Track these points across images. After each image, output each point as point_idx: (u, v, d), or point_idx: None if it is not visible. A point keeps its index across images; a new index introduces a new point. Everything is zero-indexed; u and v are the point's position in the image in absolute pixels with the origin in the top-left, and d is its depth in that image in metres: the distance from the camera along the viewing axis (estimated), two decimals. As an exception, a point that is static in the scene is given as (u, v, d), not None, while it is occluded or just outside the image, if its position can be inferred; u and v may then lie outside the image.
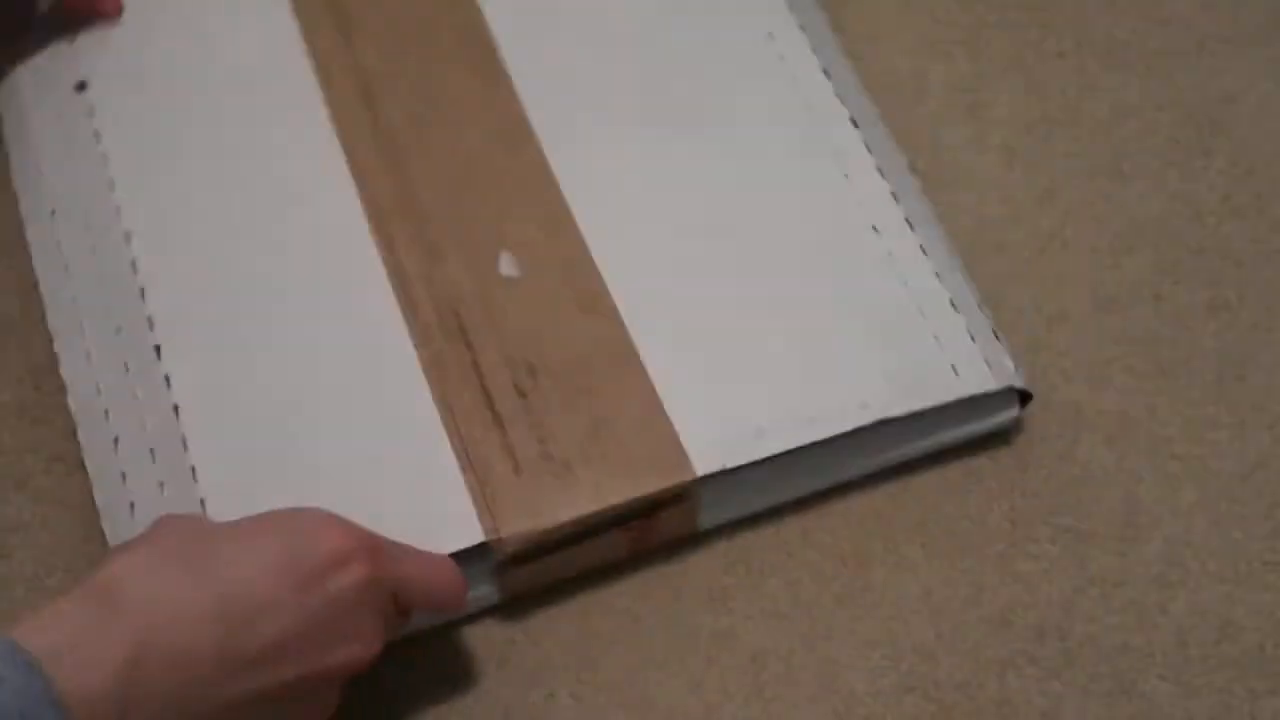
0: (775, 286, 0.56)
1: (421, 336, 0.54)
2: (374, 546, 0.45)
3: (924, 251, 0.57)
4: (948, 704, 0.51)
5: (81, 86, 0.61)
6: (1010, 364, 0.55)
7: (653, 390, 0.53)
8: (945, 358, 0.54)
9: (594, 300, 0.55)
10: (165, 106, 0.60)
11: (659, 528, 0.53)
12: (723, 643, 0.52)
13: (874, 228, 0.57)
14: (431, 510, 0.51)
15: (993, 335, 0.56)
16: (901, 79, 0.67)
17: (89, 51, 0.62)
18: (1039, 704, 0.51)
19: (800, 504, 0.55)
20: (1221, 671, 0.52)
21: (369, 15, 0.62)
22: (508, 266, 0.56)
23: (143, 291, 0.55)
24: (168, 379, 0.53)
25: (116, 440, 0.53)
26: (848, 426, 0.52)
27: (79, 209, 0.58)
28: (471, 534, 0.50)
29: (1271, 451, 0.56)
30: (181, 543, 0.43)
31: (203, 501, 0.51)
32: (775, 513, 0.55)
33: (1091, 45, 0.68)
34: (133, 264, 0.56)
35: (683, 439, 0.52)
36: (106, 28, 0.62)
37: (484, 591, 0.52)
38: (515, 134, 0.59)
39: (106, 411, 0.54)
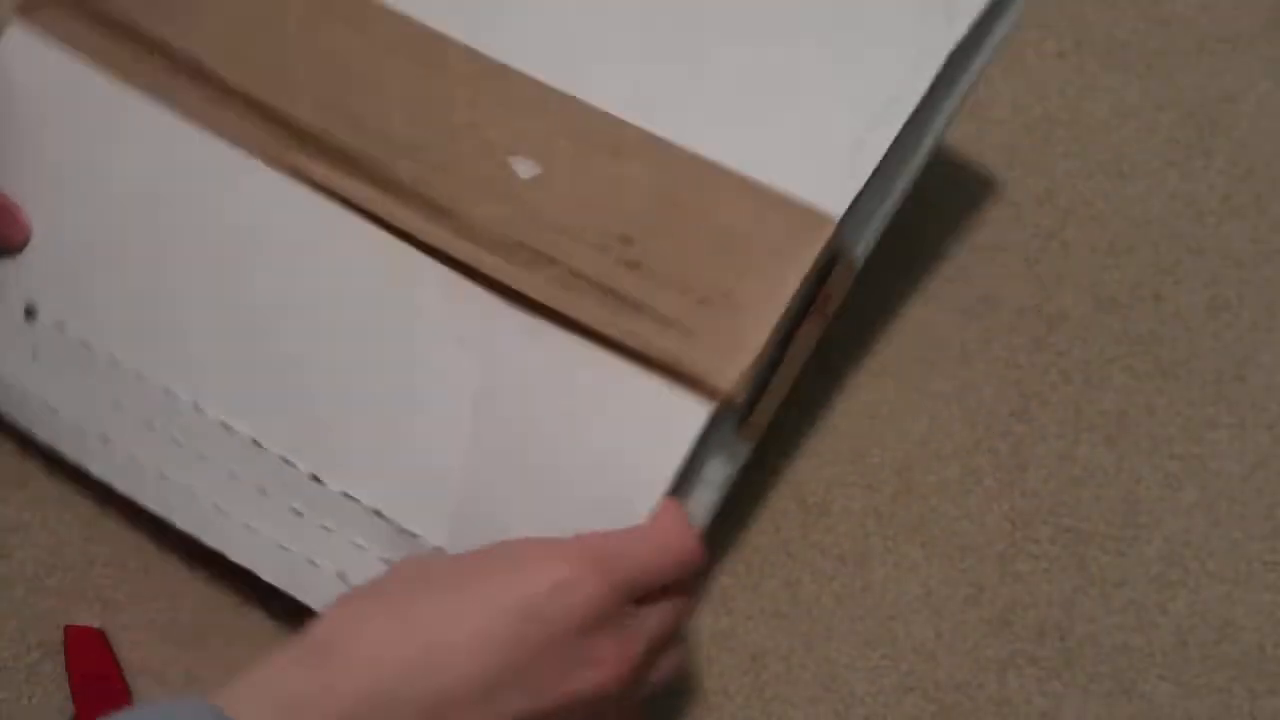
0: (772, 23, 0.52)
1: (509, 279, 0.51)
2: (597, 557, 0.42)
3: None
4: (948, 704, 0.51)
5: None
6: None
7: (741, 180, 0.49)
8: None
9: (620, 143, 0.51)
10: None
11: (834, 293, 0.50)
12: (723, 643, 0.52)
13: None
14: (649, 426, 0.48)
15: None
16: (901, 79, 0.67)
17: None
18: (1039, 704, 0.51)
19: (800, 504, 0.55)
20: (1221, 671, 0.52)
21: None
22: (525, 170, 0.52)
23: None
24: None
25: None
26: (926, 79, 0.49)
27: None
28: (699, 410, 0.47)
29: (1271, 451, 0.56)
30: (401, 591, 0.42)
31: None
32: (775, 511, 0.55)
33: (1091, 45, 0.68)
34: None
35: (803, 197, 0.48)
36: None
37: (727, 467, 0.50)
38: (423, 46, 0.54)
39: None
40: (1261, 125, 0.65)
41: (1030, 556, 0.54)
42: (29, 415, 0.54)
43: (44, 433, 0.54)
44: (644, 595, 0.43)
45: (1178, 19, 0.68)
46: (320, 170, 0.53)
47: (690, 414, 0.47)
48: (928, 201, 0.63)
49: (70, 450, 0.54)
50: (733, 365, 0.47)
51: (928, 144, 0.52)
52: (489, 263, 0.51)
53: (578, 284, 0.49)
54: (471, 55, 0.54)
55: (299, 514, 0.51)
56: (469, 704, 0.40)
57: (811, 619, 0.53)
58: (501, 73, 0.53)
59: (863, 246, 0.51)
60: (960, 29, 0.50)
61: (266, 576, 0.50)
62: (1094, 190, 0.63)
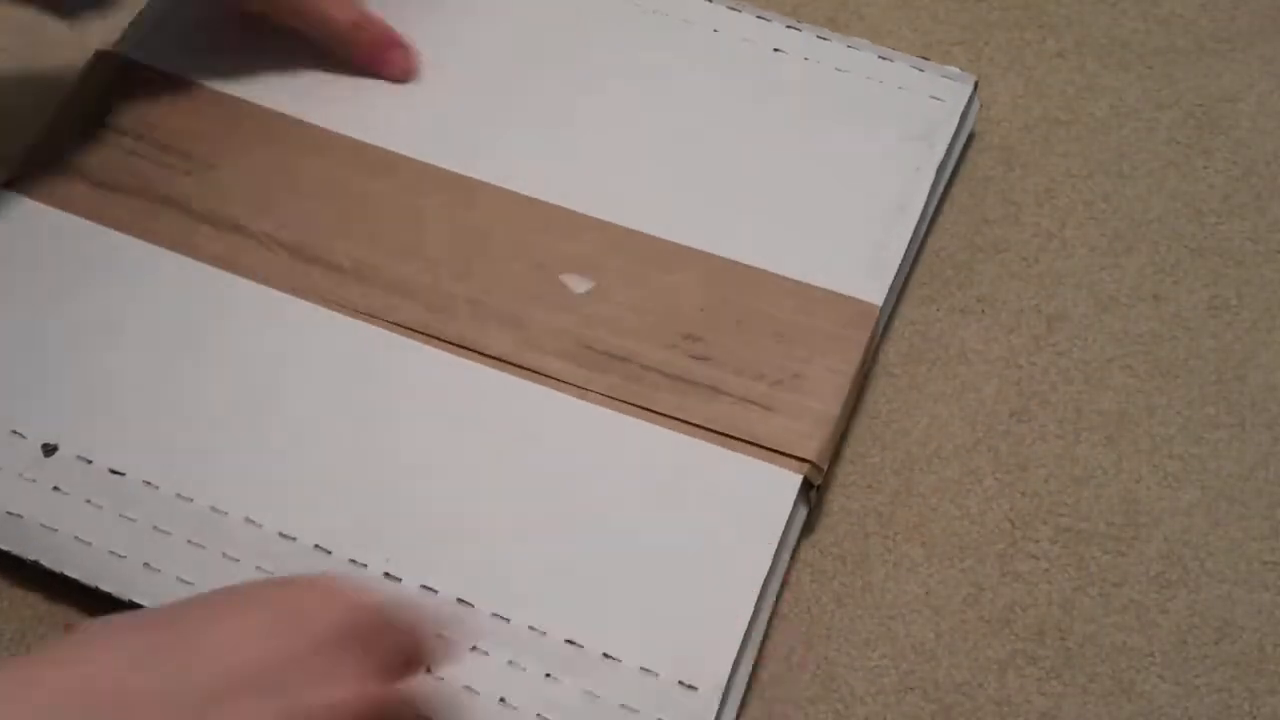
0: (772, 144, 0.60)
1: (582, 382, 0.54)
2: (370, 609, 0.41)
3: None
4: (948, 704, 0.51)
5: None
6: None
7: (785, 280, 0.56)
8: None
9: (666, 256, 0.57)
10: None
11: (875, 347, 0.57)
12: (723, 643, 0.52)
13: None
14: (742, 500, 0.51)
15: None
16: (901, 79, 0.67)
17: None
18: (1039, 704, 0.51)
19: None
20: (1221, 671, 0.52)
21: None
22: (579, 285, 0.56)
23: None
24: None
25: None
26: (924, 191, 0.59)
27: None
28: (791, 480, 0.52)
29: (1271, 451, 0.56)
30: (165, 633, 0.39)
31: None
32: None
33: (1091, 45, 0.68)
34: None
35: (845, 292, 0.56)
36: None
37: (796, 533, 0.53)
38: (450, 185, 0.59)
39: None
40: (1261, 125, 0.65)
41: (1030, 556, 0.54)
42: (58, 553, 0.51)
43: (78, 569, 0.51)
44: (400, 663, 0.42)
45: (1178, 19, 0.68)
46: (363, 298, 0.56)
47: (783, 484, 0.52)
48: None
49: (112, 583, 0.50)
50: (816, 434, 0.53)
51: (918, 240, 0.60)
52: (556, 367, 0.54)
53: (650, 377, 0.54)
54: (499, 192, 0.58)
55: None
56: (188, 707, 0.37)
57: (811, 619, 0.53)
58: (531, 204, 0.58)
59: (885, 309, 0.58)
60: (940, 151, 0.60)
61: None
62: (1094, 190, 0.63)
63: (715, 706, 0.48)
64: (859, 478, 0.56)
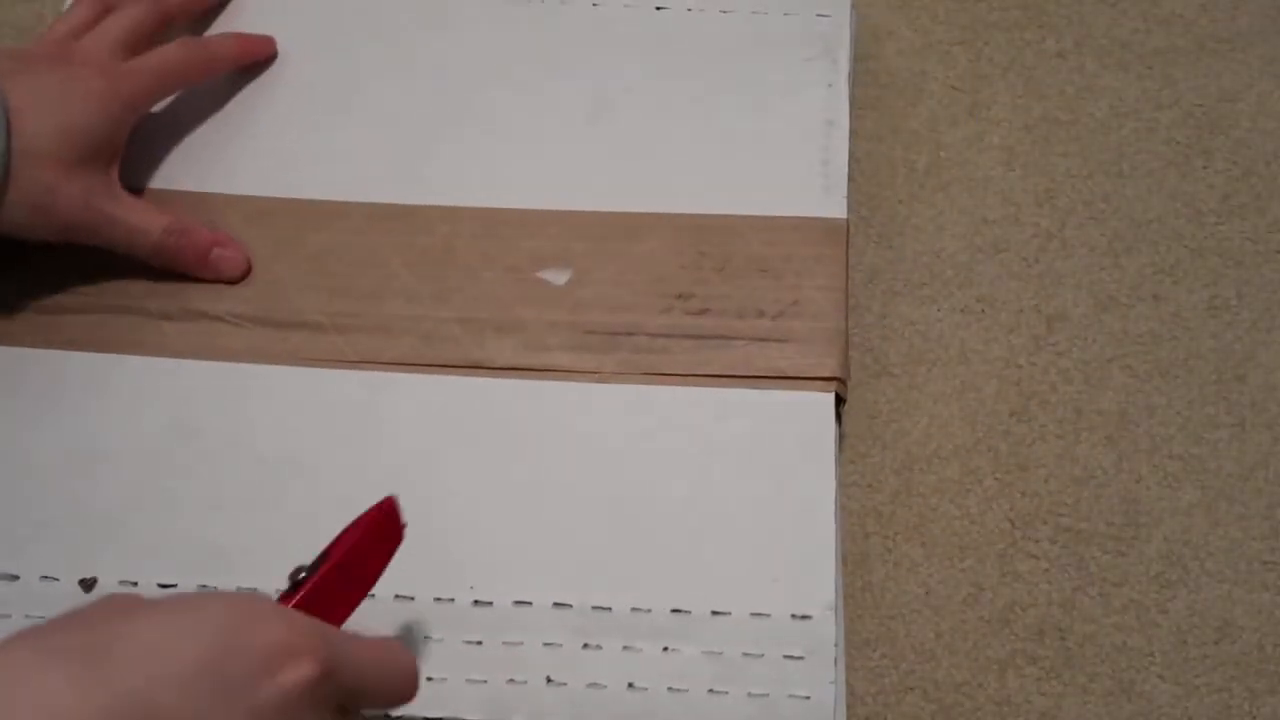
0: None
1: (594, 366, 0.55)
2: (326, 638, 0.37)
3: None
4: (948, 704, 0.51)
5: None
6: None
7: (749, 219, 0.57)
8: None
9: (630, 228, 0.57)
10: None
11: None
12: (723, 643, 0.52)
13: None
14: (790, 433, 0.53)
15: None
16: (901, 79, 0.67)
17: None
18: (1039, 704, 0.51)
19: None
20: (1221, 671, 0.52)
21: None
22: (557, 277, 0.57)
23: None
24: None
25: None
26: (844, 101, 0.61)
27: None
28: (826, 401, 0.54)
29: (1271, 451, 0.56)
30: (82, 635, 0.34)
31: None
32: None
33: (1091, 45, 0.68)
34: None
35: (809, 214, 0.57)
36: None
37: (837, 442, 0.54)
38: (399, 217, 0.58)
39: None
40: (1261, 125, 0.65)
41: (1030, 556, 0.54)
42: None
43: None
44: (350, 703, 0.39)
45: (1178, 19, 0.68)
46: (351, 347, 0.55)
47: (819, 405, 0.54)
48: (927, 201, 0.63)
49: None
50: (832, 351, 0.55)
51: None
52: (565, 360, 0.55)
53: (658, 343, 0.55)
54: (448, 210, 0.58)
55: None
56: None
57: (811, 619, 0.53)
58: (483, 213, 0.58)
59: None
60: (844, 63, 0.62)
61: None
62: (1094, 190, 0.63)
63: (832, 628, 0.49)
64: (859, 478, 0.56)
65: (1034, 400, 0.57)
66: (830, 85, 0.61)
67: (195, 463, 0.53)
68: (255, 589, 0.49)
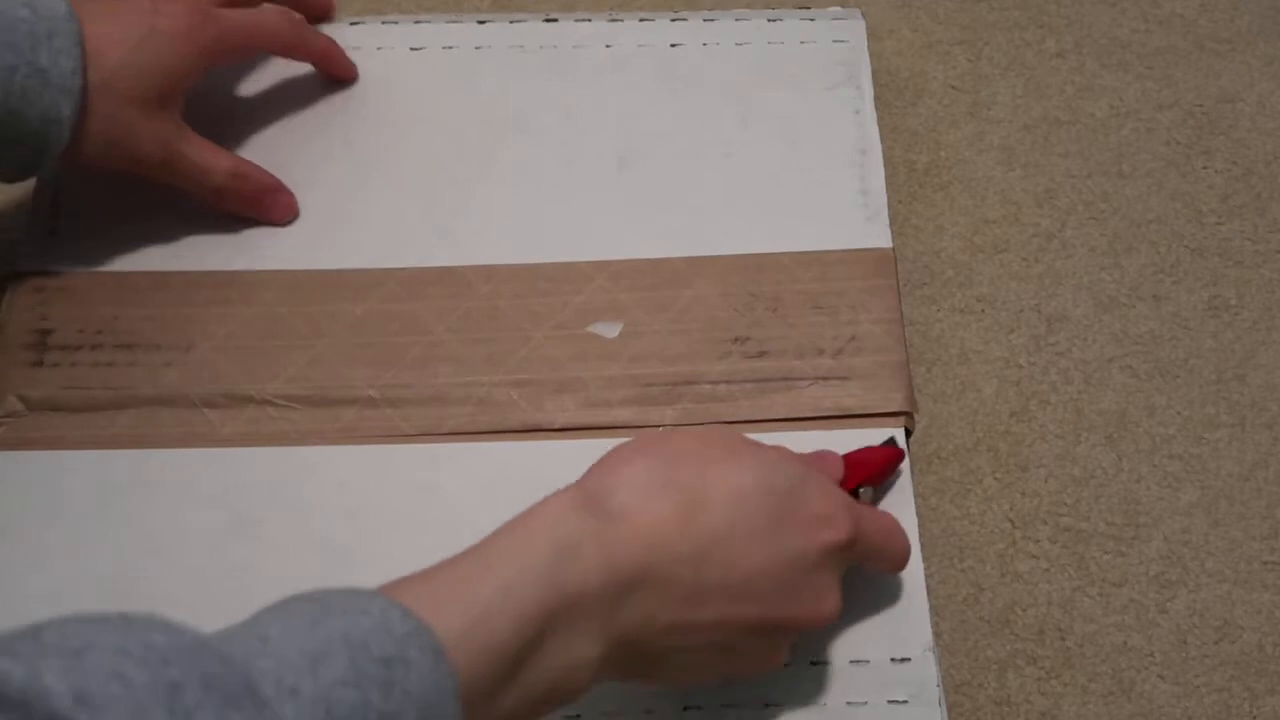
0: None
1: (655, 420, 0.53)
2: (856, 514, 0.45)
3: None
4: (948, 704, 0.51)
5: None
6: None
7: (794, 256, 0.57)
8: None
9: (674, 273, 0.56)
10: None
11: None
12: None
13: None
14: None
15: None
16: (901, 79, 0.67)
17: None
18: (1039, 704, 0.51)
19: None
20: (1221, 671, 0.52)
21: None
22: (609, 330, 0.55)
23: None
24: None
25: None
26: (873, 127, 0.61)
27: None
28: (899, 437, 0.52)
29: (1271, 451, 0.56)
30: (675, 468, 0.43)
31: None
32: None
33: (1091, 45, 0.68)
34: None
35: (855, 246, 0.57)
36: None
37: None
38: (439, 280, 0.57)
39: None
40: (1261, 125, 0.65)
41: (1030, 556, 0.54)
42: None
43: None
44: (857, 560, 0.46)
45: (1178, 19, 0.68)
46: (407, 421, 0.53)
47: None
48: (927, 201, 0.63)
49: None
50: (897, 386, 0.54)
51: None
52: (625, 415, 0.53)
53: (719, 390, 0.54)
54: (487, 270, 0.57)
55: None
56: (724, 596, 0.42)
57: (811, 619, 0.53)
58: (524, 270, 0.57)
59: None
60: (866, 88, 0.61)
61: None
62: (1094, 190, 0.63)
63: (934, 669, 0.48)
64: (859, 478, 0.56)
65: (1034, 400, 0.57)
66: (858, 112, 0.61)
67: (256, 554, 0.50)
68: None
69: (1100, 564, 0.54)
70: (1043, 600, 0.53)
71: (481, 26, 0.64)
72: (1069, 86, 0.66)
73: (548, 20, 0.64)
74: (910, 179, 0.63)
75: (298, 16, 0.60)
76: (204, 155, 0.56)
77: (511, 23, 0.64)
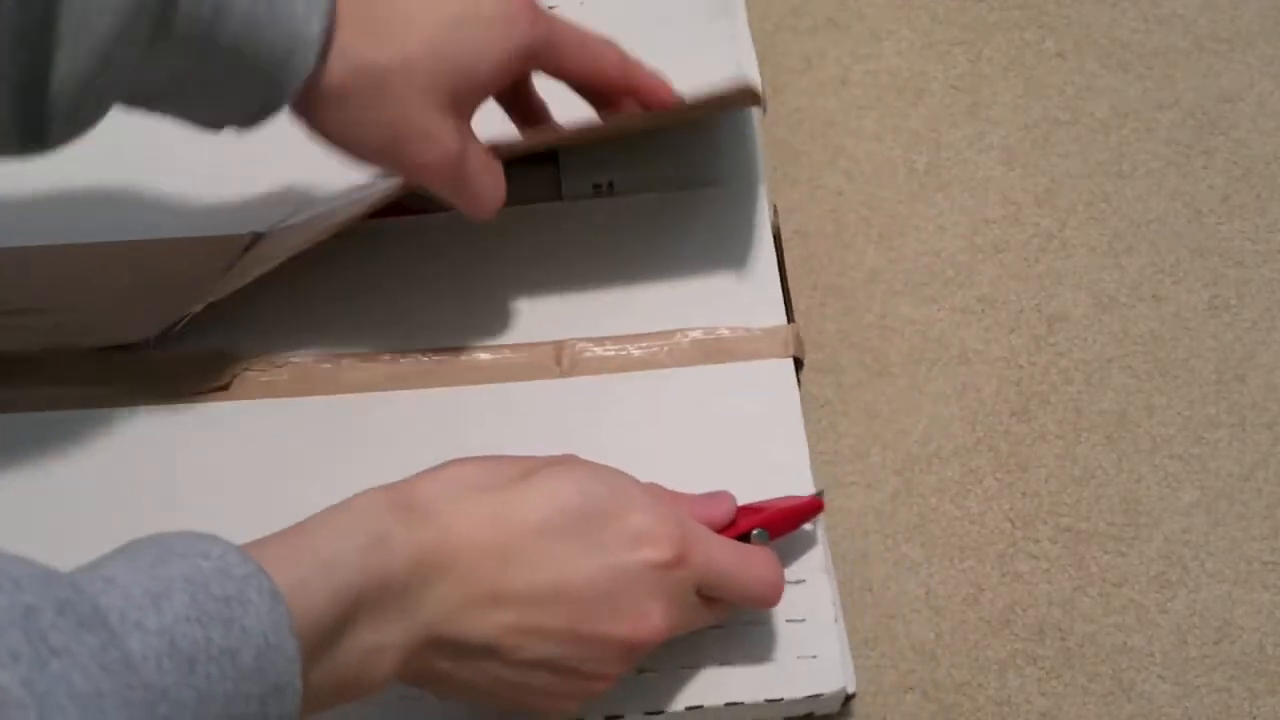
0: None
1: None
2: (685, 536, 0.43)
3: None
4: (948, 704, 0.51)
5: None
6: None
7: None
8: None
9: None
10: None
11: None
12: (723, 643, 0.52)
13: None
14: (755, 401, 0.53)
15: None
16: (901, 79, 0.67)
17: None
18: (1039, 704, 0.51)
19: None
20: (1221, 671, 0.52)
21: None
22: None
23: None
24: None
25: None
26: None
27: None
28: (785, 366, 0.54)
29: (1271, 451, 0.56)
30: (491, 475, 0.43)
31: None
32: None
33: (1091, 45, 0.68)
34: None
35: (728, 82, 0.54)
36: None
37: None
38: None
39: None
40: (1261, 125, 0.65)
41: (1030, 556, 0.54)
42: None
43: None
44: (709, 595, 0.45)
45: (1178, 19, 0.68)
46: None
47: (784, 376, 0.54)
48: (927, 201, 0.63)
49: None
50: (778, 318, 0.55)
51: None
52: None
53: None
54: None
55: None
56: (532, 602, 0.41)
57: (811, 619, 0.53)
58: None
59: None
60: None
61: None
62: (1094, 190, 0.63)
63: (828, 589, 0.49)
64: (859, 478, 0.56)
65: (1034, 400, 0.57)
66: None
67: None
68: None
69: (1100, 564, 0.54)
70: (1043, 600, 0.53)
71: None
72: (1069, 86, 0.66)
73: None
74: (910, 179, 0.63)
75: (630, 58, 0.51)
76: (490, 180, 0.49)
77: None
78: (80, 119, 0.41)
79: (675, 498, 0.47)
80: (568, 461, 0.45)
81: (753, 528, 0.47)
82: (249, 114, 0.45)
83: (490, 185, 0.49)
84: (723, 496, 0.48)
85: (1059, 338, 0.59)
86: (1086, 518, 0.55)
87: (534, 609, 0.41)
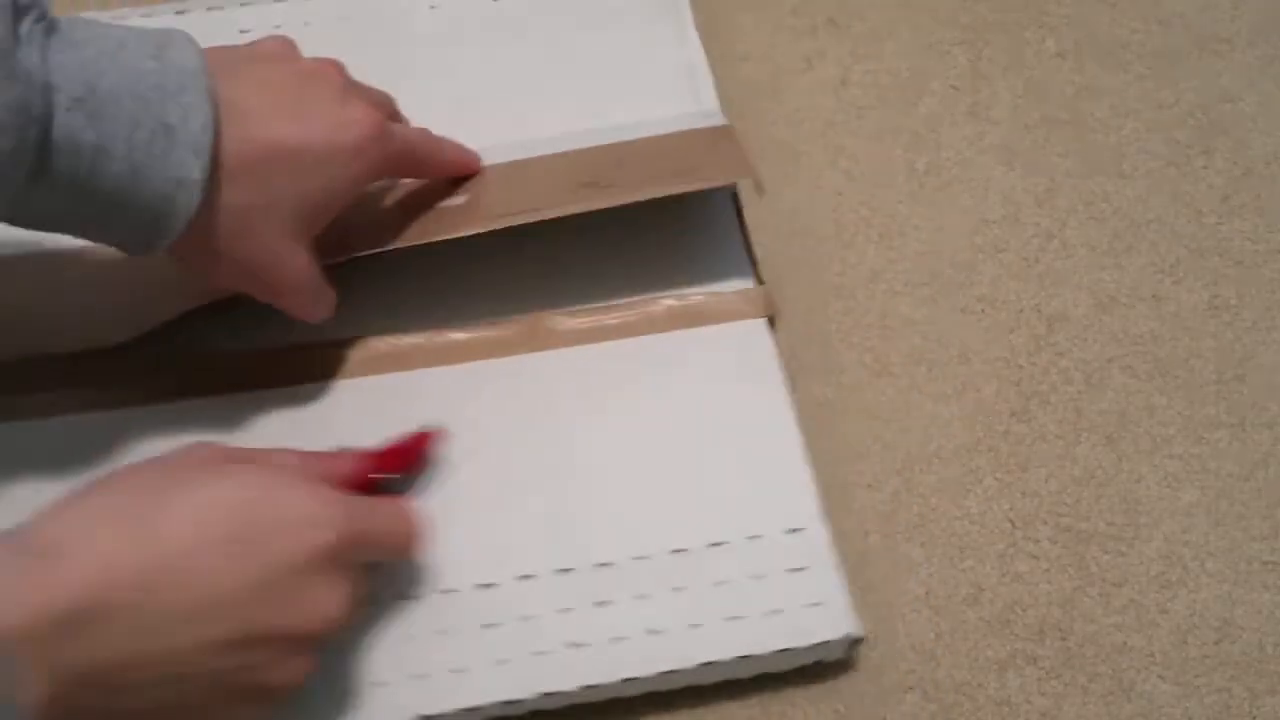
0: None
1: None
2: (349, 512, 0.43)
3: None
4: (948, 704, 0.51)
5: None
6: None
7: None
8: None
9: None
10: None
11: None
12: (723, 643, 0.52)
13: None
14: (733, 366, 0.55)
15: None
16: (901, 79, 0.67)
17: None
18: (1039, 704, 0.51)
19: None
20: (1221, 671, 0.52)
21: None
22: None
23: None
24: None
25: None
26: (690, 31, 0.64)
27: None
28: (759, 326, 0.56)
29: (1271, 451, 0.56)
30: (129, 496, 0.41)
31: None
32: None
33: (1091, 45, 0.68)
34: None
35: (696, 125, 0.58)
36: None
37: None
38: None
39: None
40: (1261, 125, 0.65)
41: (1030, 556, 0.54)
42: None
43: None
44: (367, 559, 0.45)
45: (1178, 19, 0.68)
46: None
47: (759, 335, 0.55)
48: (927, 201, 0.63)
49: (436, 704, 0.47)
50: (747, 280, 0.56)
51: None
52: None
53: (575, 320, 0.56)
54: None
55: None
56: (189, 619, 0.40)
57: (811, 619, 0.53)
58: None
59: None
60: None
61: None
62: (1094, 190, 0.63)
63: (825, 535, 0.51)
64: (859, 477, 0.56)
65: (1034, 400, 0.57)
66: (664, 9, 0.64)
67: None
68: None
69: (1100, 564, 0.54)
70: (1043, 600, 0.53)
71: (307, 3, 0.64)
72: (1069, 86, 0.66)
73: None
74: (910, 179, 0.63)
75: (432, 135, 0.55)
76: (328, 295, 0.52)
77: None
78: None
79: (304, 460, 0.46)
80: (210, 462, 0.43)
81: (379, 473, 0.49)
82: (134, 247, 0.47)
83: (330, 295, 0.53)
84: (341, 456, 0.48)
85: (1059, 338, 0.59)
86: (1086, 518, 0.55)
87: (196, 627, 0.40)
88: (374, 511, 0.45)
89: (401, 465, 0.50)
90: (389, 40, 0.63)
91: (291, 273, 0.49)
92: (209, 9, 0.64)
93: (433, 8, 0.65)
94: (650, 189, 0.54)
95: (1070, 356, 0.59)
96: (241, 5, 0.64)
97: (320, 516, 0.42)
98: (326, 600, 0.42)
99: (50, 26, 0.43)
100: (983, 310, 0.60)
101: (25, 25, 0.41)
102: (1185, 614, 0.53)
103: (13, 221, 0.45)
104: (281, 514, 0.42)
